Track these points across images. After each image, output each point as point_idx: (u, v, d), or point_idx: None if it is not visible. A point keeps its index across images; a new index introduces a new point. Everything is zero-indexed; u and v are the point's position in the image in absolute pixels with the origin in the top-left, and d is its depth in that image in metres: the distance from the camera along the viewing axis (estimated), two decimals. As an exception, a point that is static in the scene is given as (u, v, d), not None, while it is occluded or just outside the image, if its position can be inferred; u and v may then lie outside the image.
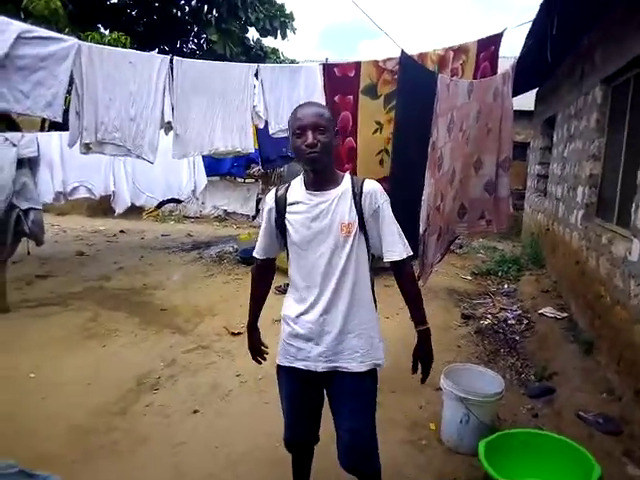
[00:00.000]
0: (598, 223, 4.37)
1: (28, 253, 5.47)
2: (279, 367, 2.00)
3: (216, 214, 12.27)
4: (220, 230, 11.30)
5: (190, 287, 6.26)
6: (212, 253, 8.27)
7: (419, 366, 1.93)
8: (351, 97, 3.83)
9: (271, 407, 3.25)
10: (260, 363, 2.09)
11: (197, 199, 9.37)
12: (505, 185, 3.72)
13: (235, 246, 8.25)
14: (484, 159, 3.62)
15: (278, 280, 5.70)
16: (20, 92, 3.28)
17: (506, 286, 6.34)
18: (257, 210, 11.54)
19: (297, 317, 1.90)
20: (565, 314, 4.71)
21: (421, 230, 3.01)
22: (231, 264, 7.54)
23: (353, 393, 1.88)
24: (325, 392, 1.97)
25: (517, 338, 4.50)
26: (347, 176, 1.90)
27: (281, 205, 1.91)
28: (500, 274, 6.87)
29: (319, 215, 1.83)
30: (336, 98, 3.86)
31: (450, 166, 3.24)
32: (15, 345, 4.23)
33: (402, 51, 3.01)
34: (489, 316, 5.09)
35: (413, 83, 2.99)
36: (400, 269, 1.88)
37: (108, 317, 5.02)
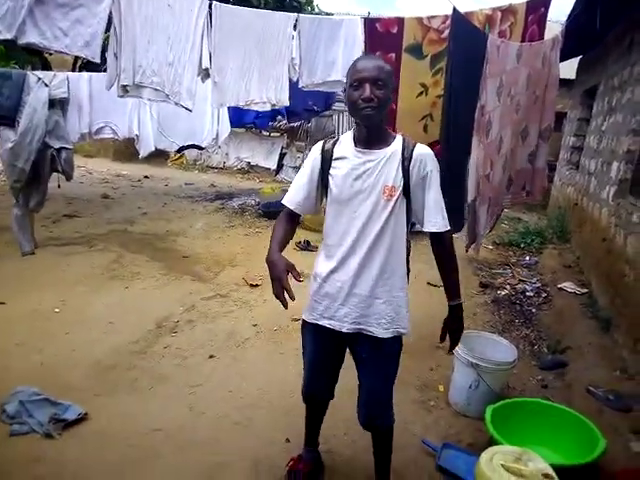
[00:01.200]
0: (630, 201, 4.24)
1: (59, 186, 5.61)
2: (304, 322, 2.01)
3: (239, 166, 12.31)
4: (243, 182, 11.32)
5: (212, 237, 6.34)
6: (234, 205, 8.31)
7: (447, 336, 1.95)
8: (393, 55, 3.67)
9: (285, 357, 3.35)
10: (285, 306, 1.69)
11: (219, 147, 9.36)
12: (543, 155, 3.62)
13: (257, 199, 8.27)
14: (530, 128, 3.50)
15: (299, 236, 5.77)
16: (59, 29, 3.25)
17: (527, 258, 6.26)
18: (280, 165, 11.54)
19: (327, 276, 1.87)
20: (585, 290, 4.66)
21: (469, 199, 2.94)
22: (252, 217, 7.59)
23: (375, 356, 1.90)
24: (349, 349, 1.99)
25: (533, 310, 4.48)
26: (399, 137, 1.82)
27: (327, 158, 1.85)
28: (522, 246, 6.78)
29: (363, 174, 1.78)
30: (377, 54, 3.74)
31: (498, 133, 3.14)
32: (41, 281, 4.37)
33: (454, 8, 2.87)
34: (507, 286, 5.07)
35: (464, 43, 2.86)
36: (440, 241, 1.84)
37: (131, 260, 5.14)
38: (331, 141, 1.90)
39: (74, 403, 2.61)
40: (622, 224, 4.12)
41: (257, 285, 4.66)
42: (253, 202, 8.39)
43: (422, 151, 1.79)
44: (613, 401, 2.80)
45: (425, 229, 1.81)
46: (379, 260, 1.80)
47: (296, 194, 1.92)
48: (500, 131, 3.15)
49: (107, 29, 3.44)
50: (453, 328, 1.92)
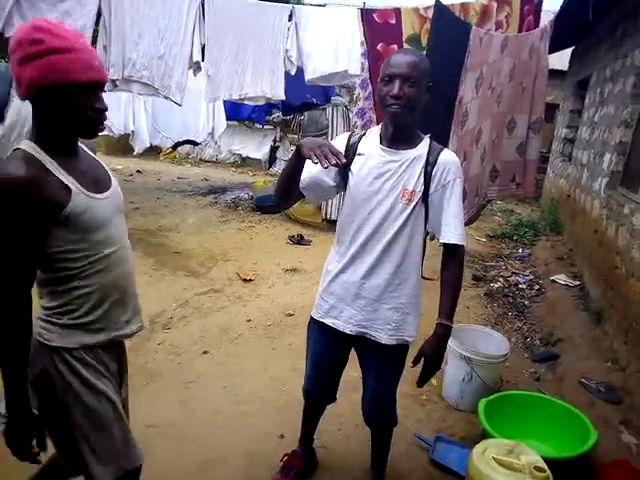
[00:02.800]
0: (622, 192, 4.26)
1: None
2: (311, 319, 1.97)
3: (232, 159, 12.25)
4: (236, 176, 11.27)
5: (204, 231, 6.31)
6: (227, 199, 8.28)
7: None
8: (395, 47, 3.64)
9: (278, 353, 3.35)
10: (341, 165, 1.52)
11: (215, 142, 9.29)
12: (535, 147, 3.62)
13: (250, 193, 8.24)
14: (517, 120, 3.50)
15: (292, 230, 5.72)
16: None
17: (520, 250, 6.29)
18: (273, 158, 11.51)
19: (336, 275, 1.83)
20: (577, 282, 4.69)
21: None
22: (246, 211, 7.56)
23: (380, 361, 1.87)
24: (354, 349, 1.97)
25: (526, 303, 4.51)
26: (426, 140, 1.75)
27: (350, 153, 1.77)
28: (515, 238, 6.81)
29: (385, 174, 1.71)
30: (379, 47, 3.68)
31: (476, 124, 3.15)
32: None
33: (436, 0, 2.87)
34: (500, 279, 5.09)
35: (447, 34, 2.86)
36: (453, 254, 1.75)
37: (123, 256, 5.10)
38: (358, 134, 1.83)
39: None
40: (613, 216, 4.14)
41: (250, 280, 4.65)
42: (246, 196, 8.35)
43: (448, 158, 1.72)
44: (604, 393, 2.82)
45: (441, 239, 1.73)
46: (391, 265, 1.74)
47: (310, 173, 1.73)
48: (479, 123, 3.15)
49: (97, 21, 3.40)
50: (428, 353, 1.74)
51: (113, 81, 3.58)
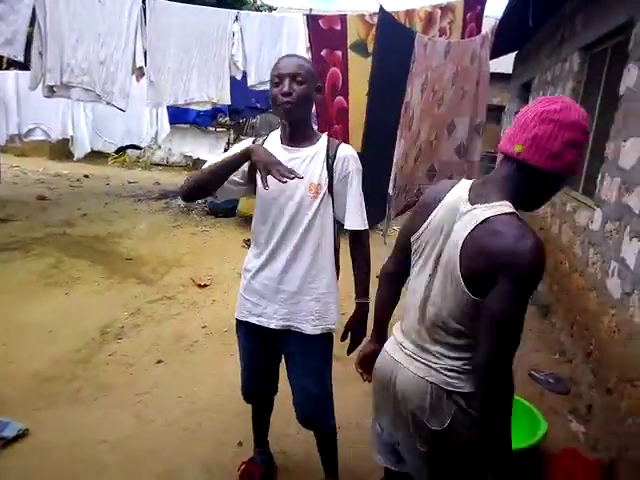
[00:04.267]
0: (565, 191, 4.46)
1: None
2: (237, 321, 2.01)
3: (184, 162, 12.02)
4: (189, 179, 11.06)
5: (157, 237, 6.16)
6: (180, 203, 8.10)
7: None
8: (340, 53, 3.67)
9: (235, 359, 3.23)
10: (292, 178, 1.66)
11: (159, 147, 9.16)
12: (477, 149, 3.74)
13: (204, 197, 8.11)
14: (457, 123, 3.60)
15: (247, 233, 5.65)
16: None
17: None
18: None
19: (256, 273, 1.88)
20: (525, 278, 4.86)
21: (391, 192, 3.01)
22: (199, 215, 7.44)
23: (305, 354, 1.90)
24: (279, 347, 1.98)
25: (478, 299, 4.63)
26: (324, 137, 1.85)
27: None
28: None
29: None
30: (323, 53, 3.70)
31: (417, 127, 3.22)
32: (-28, 290, 4.11)
33: (380, 7, 2.91)
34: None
35: (391, 41, 2.91)
36: (357, 239, 1.88)
37: (71, 265, 4.92)
38: (260, 139, 1.90)
39: (12, 419, 2.48)
40: (557, 214, 4.32)
41: (205, 285, 4.57)
42: (199, 200, 8.21)
43: (346, 151, 1.82)
44: (553, 384, 2.94)
45: (347, 226, 1.85)
46: (307, 258, 1.82)
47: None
48: (419, 125, 3.23)
49: (32, 24, 3.27)
50: (353, 328, 1.95)
51: (50, 87, 3.44)
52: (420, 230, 1.37)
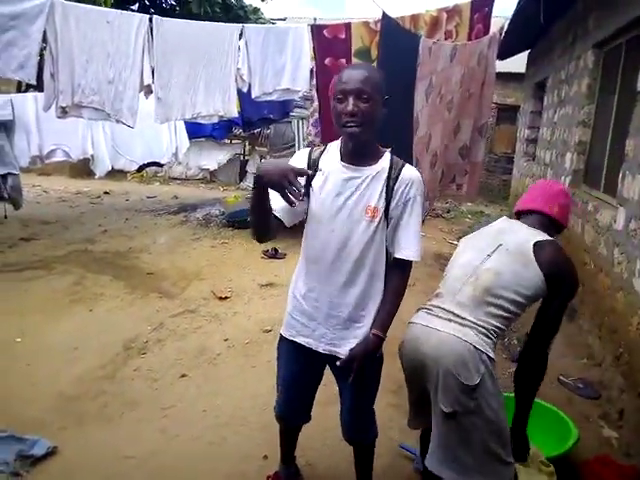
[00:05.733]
0: (585, 190, 4.38)
1: (5, 217, 5.39)
2: (281, 337, 1.93)
3: (201, 175, 12.15)
4: (206, 192, 11.17)
5: (176, 251, 6.22)
6: (198, 216, 8.19)
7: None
8: (344, 60, 3.70)
9: (258, 371, 3.30)
10: (291, 204, 1.51)
11: (179, 163, 9.30)
12: (481, 150, 3.74)
13: (222, 209, 8.17)
14: (462, 124, 3.58)
15: (266, 244, 5.67)
16: None
17: (492, 251, 6.37)
18: (243, 172, 11.49)
19: (305, 294, 1.80)
20: (549, 280, 4.77)
21: None
22: (218, 228, 7.49)
23: (355, 377, 1.79)
24: (329, 367, 1.91)
25: (501, 303, 4.56)
26: (387, 155, 1.73)
27: (312, 169, 1.73)
28: (486, 239, 6.90)
29: (347, 190, 1.68)
30: (327, 61, 3.74)
31: (427, 131, 3.20)
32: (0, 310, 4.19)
33: (383, 13, 2.92)
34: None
35: (395, 47, 2.90)
36: (403, 270, 1.75)
37: (93, 281, 4.99)
38: (318, 150, 1.80)
39: (41, 437, 2.50)
40: (579, 213, 4.24)
41: (226, 297, 4.59)
42: (217, 212, 8.28)
43: (410, 174, 1.70)
44: (582, 389, 2.87)
45: (396, 254, 1.72)
46: (361, 284, 1.72)
47: (279, 200, 1.59)
48: (429, 129, 3.21)
49: (43, 48, 3.35)
50: (358, 361, 1.70)
51: (63, 108, 3.53)
52: None
